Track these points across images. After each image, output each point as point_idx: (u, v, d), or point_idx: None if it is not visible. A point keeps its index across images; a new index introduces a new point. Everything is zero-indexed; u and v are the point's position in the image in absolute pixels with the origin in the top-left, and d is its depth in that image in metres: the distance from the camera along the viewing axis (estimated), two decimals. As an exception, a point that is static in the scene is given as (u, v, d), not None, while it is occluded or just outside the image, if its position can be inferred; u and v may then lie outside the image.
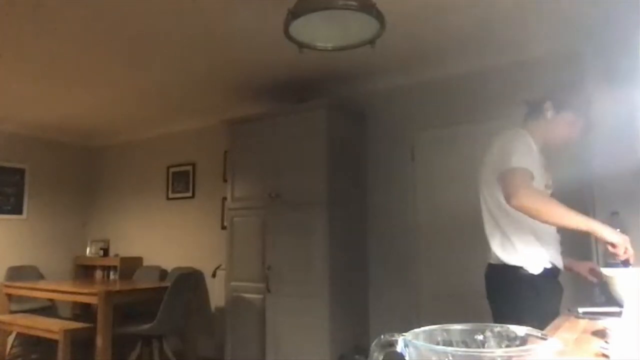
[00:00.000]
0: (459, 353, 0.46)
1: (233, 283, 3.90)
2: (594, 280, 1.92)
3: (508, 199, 1.68)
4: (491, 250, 1.87)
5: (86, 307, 4.60)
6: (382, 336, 0.53)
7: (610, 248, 1.59)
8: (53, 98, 4.31)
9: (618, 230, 1.96)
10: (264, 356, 3.56)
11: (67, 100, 4.39)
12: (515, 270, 1.79)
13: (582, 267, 1.99)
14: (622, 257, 1.58)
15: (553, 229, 1.85)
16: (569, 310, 1.57)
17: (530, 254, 1.79)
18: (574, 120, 1.89)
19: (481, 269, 1.96)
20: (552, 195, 1.90)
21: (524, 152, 1.77)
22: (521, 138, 1.83)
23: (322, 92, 3.93)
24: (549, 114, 1.90)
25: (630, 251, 1.58)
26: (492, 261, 1.88)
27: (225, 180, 4.43)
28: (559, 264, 1.87)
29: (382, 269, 3.74)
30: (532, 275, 1.77)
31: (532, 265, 1.78)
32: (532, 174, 1.72)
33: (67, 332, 3.56)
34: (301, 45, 2.21)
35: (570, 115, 1.89)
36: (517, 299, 1.78)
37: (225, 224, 4.37)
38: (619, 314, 1.14)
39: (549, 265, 1.81)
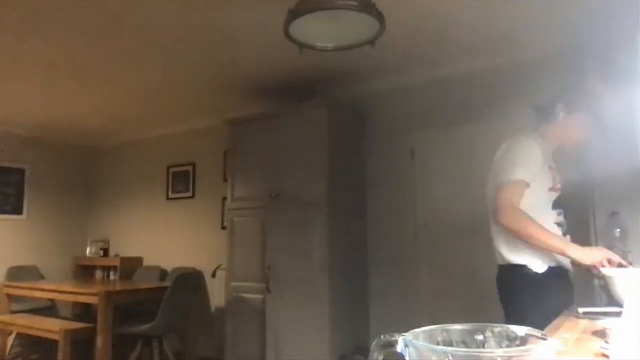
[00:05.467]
0: (459, 353, 0.46)
1: (233, 283, 3.90)
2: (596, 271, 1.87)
3: (494, 214, 1.80)
4: (497, 251, 1.90)
5: (86, 307, 4.59)
6: (382, 336, 0.53)
7: (592, 269, 1.66)
8: (53, 98, 4.31)
9: (618, 230, 1.95)
10: (264, 356, 3.56)
11: (67, 101, 4.39)
12: (520, 269, 1.82)
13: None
14: (607, 268, 1.60)
15: (555, 228, 1.85)
16: (568, 310, 1.57)
17: (533, 252, 1.80)
18: (587, 121, 1.91)
19: (481, 269, 1.97)
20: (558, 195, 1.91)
21: (522, 163, 1.82)
22: (523, 146, 1.86)
23: (322, 92, 3.93)
24: (561, 115, 1.92)
25: (615, 260, 1.63)
26: (500, 262, 1.91)
27: (225, 180, 4.43)
28: (565, 262, 1.86)
29: (382, 269, 3.74)
30: (537, 273, 1.80)
31: (536, 264, 1.80)
32: (526, 183, 1.79)
33: (67, 332, 3.56)
34: (301, 45, 2.22)
35: (583, 116, 1.91)
36: (521, 298, 1.81)
37: (225, 224, 4.37)
38: (619, 314, 1.14)
39: (553, 264, 1.82)
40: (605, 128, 1.95)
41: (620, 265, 1.63)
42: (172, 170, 5.30)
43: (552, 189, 1.89)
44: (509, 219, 1.77)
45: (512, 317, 1.81)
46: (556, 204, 1.90)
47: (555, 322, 1.39)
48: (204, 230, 4.90)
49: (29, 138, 5.48)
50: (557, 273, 1.83)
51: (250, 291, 3.76)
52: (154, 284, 4.43)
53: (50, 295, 4.28)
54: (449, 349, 0.47)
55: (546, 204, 1.86)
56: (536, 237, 1.74)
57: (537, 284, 1.79)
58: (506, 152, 1.88)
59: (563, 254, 1.69)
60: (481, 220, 2.05)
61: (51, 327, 3.68)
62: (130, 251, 5.45)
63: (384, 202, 3.79)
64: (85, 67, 3.55)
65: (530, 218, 1.77)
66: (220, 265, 4.34)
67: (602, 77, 2.50)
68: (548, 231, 1.75)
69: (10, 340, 4.32)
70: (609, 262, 1.62)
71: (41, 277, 5.17)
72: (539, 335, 0.52)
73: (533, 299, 1.77)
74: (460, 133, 3.48)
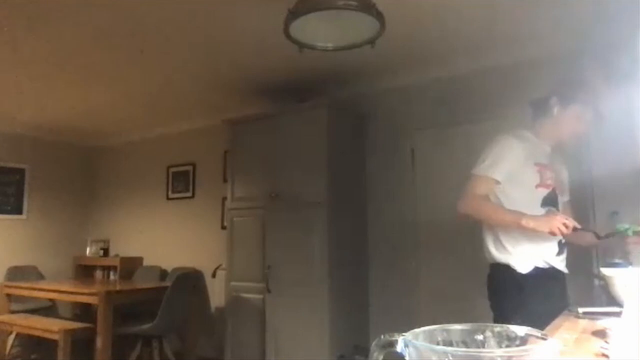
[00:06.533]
0: (459, 353, 0.46)
1: (233, 283, 3.90)
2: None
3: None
4: (487, 250, 1.91)
5: (86, 307, 4.59)
6: (382, 336, 0.53)
7: (551, 235, 1.69)
8: (53, 98, 4.31)
9: (613, 229, 1.96)
10: (264, 356, 3.56)
11: (67, 101, 4.39)
12: (504, 269, 1.83)
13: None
14: (566, 233, 1.66)
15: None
16: (569, 310, 1.56)
17: (518, 252, 1.81)
18: (582, 114, 1.88)
19: (481, 269, 1.96)
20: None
21: (494, 160, 1.84)
22: (501, 145, 1.87)
23: (322, 92, 3.93)
24: (555, 110, 1.89)
25: (570, 224, 1.65)
26: (489, 261, 1.92)
27: (225, 180, 4.43)
28: (558, 264, 1.85)
29: (382, 269, 3.74)
30: (520, 274, 1.79)
31: (519, 263, 1.80)
32: (494, 180, 1.84)
33: (67, 332, 3.56)
34: (301, 45, 2.22)
35: (577, 109, 1.87)
36: (502, 297, 1.83)
37: (225, 224, 4.37)
38: (619, 314, 1.14)
39: (541, 265, 1.81)
40: (603, 119, 1.91)
41: (575, 229, 1.67)
42: (172, 170, 5.30)
43: (540, 186, 1.86)
44: (467, 206, 1.86)
45: (496, 315, 1.81)
46: (548, 201, 1.86)
47: (556, 322, 1.39)
48: (204, 230, 4.90)
49: (29, 138, 5.48)
50: (547, 275, 1.81)
51: (250, 291, 3.76)
52: (154, 284, 4.43)
53: (50, 295, 4.28)
54: (449, 349, 0.47)
55: (531, 200, 1.83)
56: (491, 217, 1.82)
57: (520, 284, 1.78)
58: (485, 150, 1.90)
59: (519, 227, 1.70)
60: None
61: (51, 327, 3.68)
62: (130, 251, 5.45)
63: (384, 201, 3.79)
64: (86, 67, 3.55)
65: (486, 202, 1.83)
66: (220, 265, 4.34)
67: (602, 77, 2.51)
68: (503, 209, 1.80)
69: (10, 340, 4.32)
70: (566, 226, 1.64)
71: (41, 277, 5.17)
72: (539, 335, 0.52)
73: (516, 299, 1.76)
74: (460, 133, 3.48)
